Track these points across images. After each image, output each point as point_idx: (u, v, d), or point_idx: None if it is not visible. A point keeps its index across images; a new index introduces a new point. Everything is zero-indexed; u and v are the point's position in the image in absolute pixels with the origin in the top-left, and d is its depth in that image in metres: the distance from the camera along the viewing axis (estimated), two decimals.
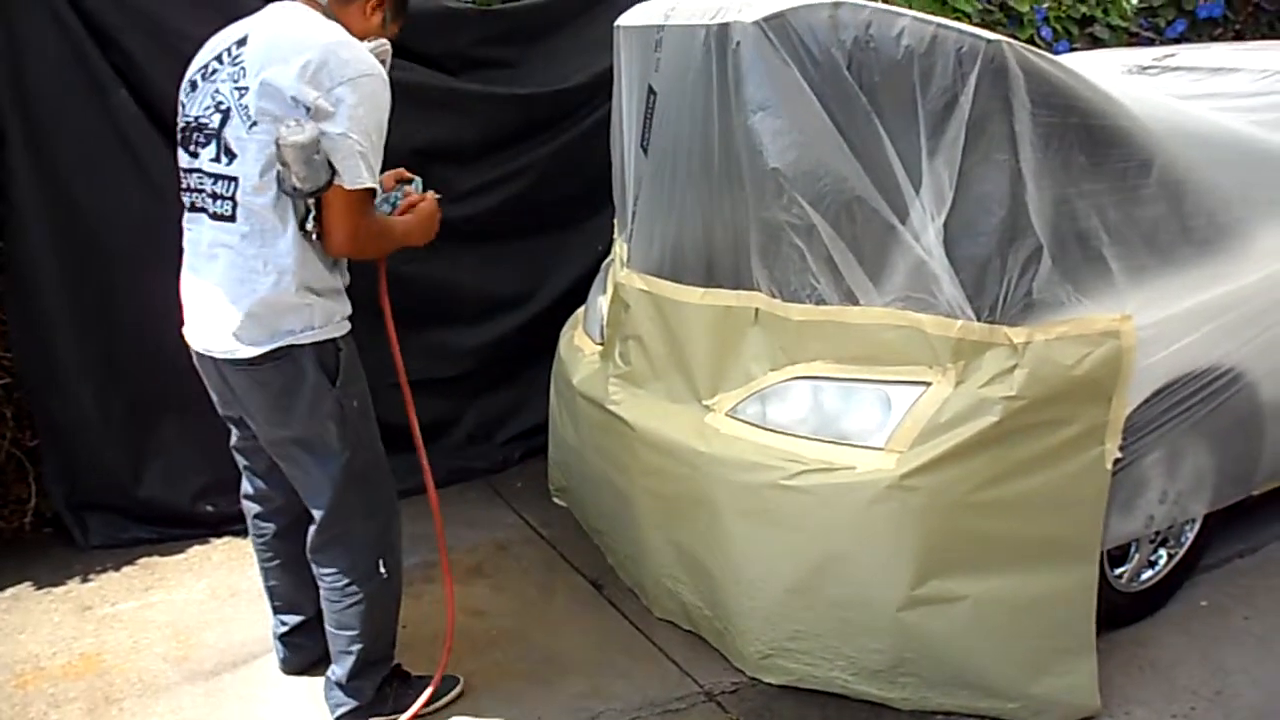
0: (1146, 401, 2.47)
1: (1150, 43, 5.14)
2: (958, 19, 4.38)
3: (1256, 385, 2.70)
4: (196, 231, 2.21)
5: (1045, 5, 4.73)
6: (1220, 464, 2.76)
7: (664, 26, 2.59)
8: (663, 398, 2.69)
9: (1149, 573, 2.81)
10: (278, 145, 1.99)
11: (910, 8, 4.21)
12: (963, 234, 2.27)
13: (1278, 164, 2.76)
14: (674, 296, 2.63)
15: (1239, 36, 5.51)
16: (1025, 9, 4.63)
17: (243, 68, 2.09)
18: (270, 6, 2.21)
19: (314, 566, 2.38)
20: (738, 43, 2.34)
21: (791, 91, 2.28)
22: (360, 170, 2.04)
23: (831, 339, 2.42)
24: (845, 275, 2.34)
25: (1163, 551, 2.83)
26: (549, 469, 3.45)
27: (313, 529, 2.34)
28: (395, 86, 3.14)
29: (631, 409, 2.72)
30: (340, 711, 2.45)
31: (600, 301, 3.13)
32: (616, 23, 2.89)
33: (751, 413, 2.52)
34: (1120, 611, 2.71)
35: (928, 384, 2.34)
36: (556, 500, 3.39)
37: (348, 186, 2.05)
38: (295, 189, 2.02)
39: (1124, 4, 5.07)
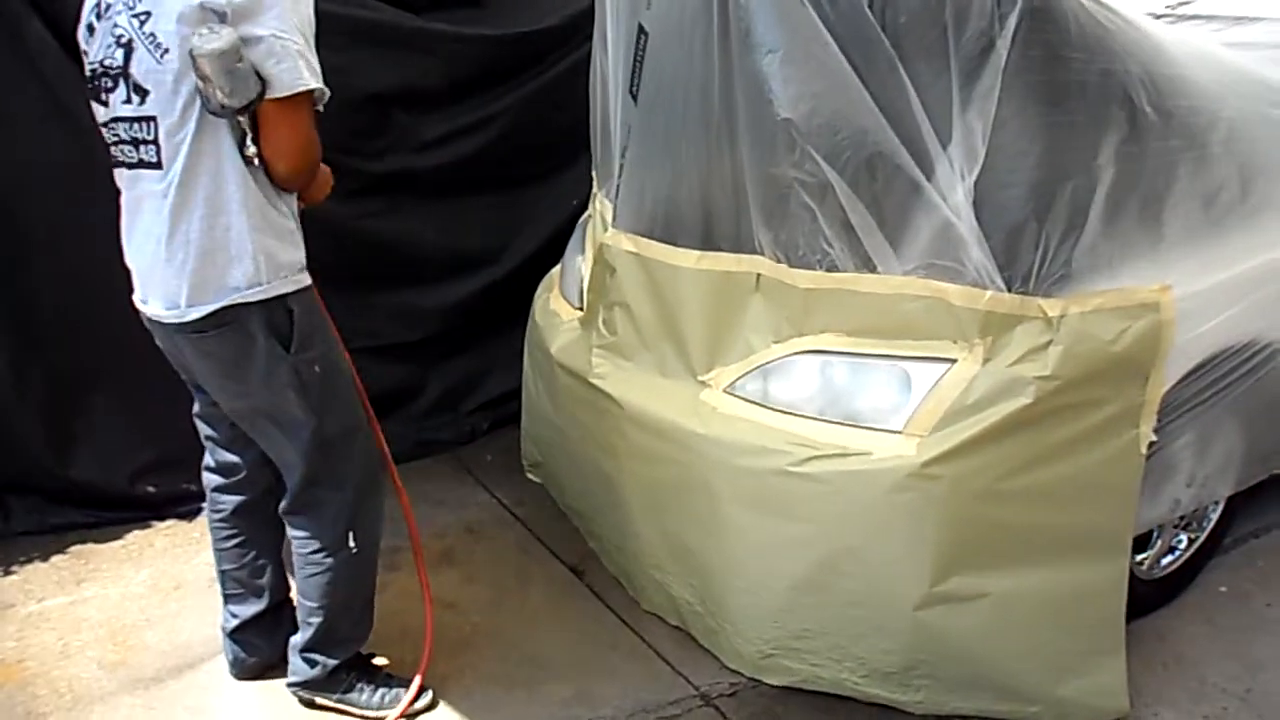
0: (1182, 379, 2.27)
1: None
2: None
3: None
4: (127, 187, 1.97)
5: None
6: (1249, 443, 2.58)
7: None
8: (652, 371, 2.45)
9: (1169, 558, 2.64)
10: (192, 58, 1.74)
11: None
12: (994, 195, 2.02)
13: None
14: (666, 260, 2.37)
15: None
16: None
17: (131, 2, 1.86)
18: None
19: (287, 526, 2.19)
20: None
21: (806, 32, 2.01)
22: (300, 70, 1.81)
23: (843, 309, 2.18)
24: (863, 239, 2.09)
25: (1183, 535, 2.66)
26: (521, 442, 3.19)
27: (287, 491, 2.15)
28: (353, 25, 2.84)
29: (618, 384, 2.47)
30: (291, 679, 2.28)
31: (579, 262, 2.87)
32: None
33: (752, 390, 2.29)
34: (1141, 600, 2.52)
35: (952, 361, 2.11)
36: (530, 476, 3.14)
37: (286, 90, 1.80)
38: (223, 106, 1.77)
39: None
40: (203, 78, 1.74)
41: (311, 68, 1.84)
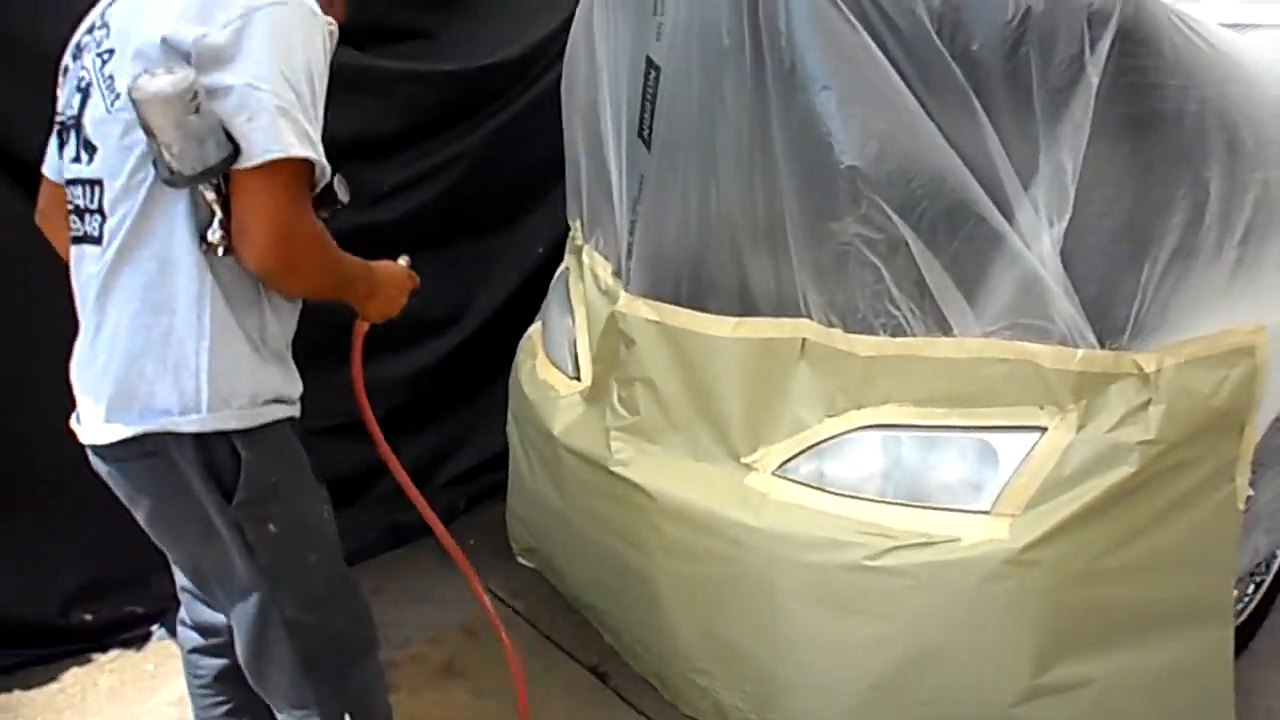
0: (1273, 425, 2.08)
1: None
2: None
3: None
4: (74, 268, 1.58)
5: None
6: None
7: None
8: (684, 455, 2.14)
9: (1239, 606, 2.45)
10: (132, 103, 1.33)
11: None
12: (1084, 241, 1.79)
13: None
14: (698, 329, 2.07)
15: None
16: None
17: (108, 27, 1.49)
18: None
19: None
20: (786, 4, 1.79)
21: (865, 65, 1.75)
22: (280, 132, 1.36)
23: (911, 377, 1.92)
24: (938, 299, 1.84)
25: (1250, 582, 2.48)
26: (509, 523, 2.85)
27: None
28: None
29: (646, 471, 2.16)
30: None
31: (567, 325, 2.56)
32: None
33: (806, 472, 2.01)
34: None
35: (1041, 429, 1.87)
36: (523, 562, 2.80)
37: (256, 158, 1.36)
38: (171, 171, 1.36)
39: None
40: (147, 131, 1.35)
41: (301, 131, 1.39)
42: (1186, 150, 1.78)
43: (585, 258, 2.53)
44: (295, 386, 1.63)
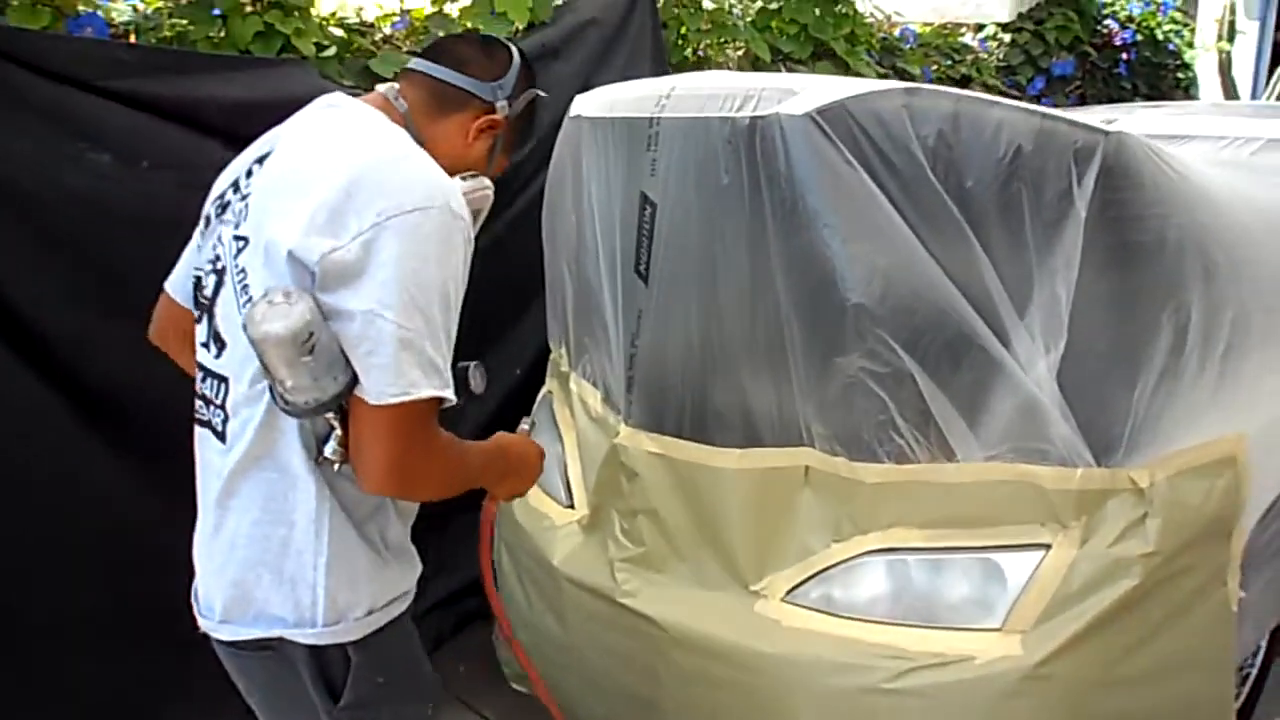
0: (1258, 526, 2.16)
1: (1016, 100, 5.10)
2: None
3: None
4: (198, 444, 1.54)
5: (932, 68, 4.57)
6: None
7: (659, 119, 2.07)
8: (691, 584, 2.14)
9: None
10: (246, 335, 1.29)
11: (813, 72, 3.93)
12: (1077, 366, 1.87)
13: None
14: (701, 461, 2.09)
15: (1083, 91, 5.62)
16: (916, 70, 4.45)
17: (247, 201, 1.42)
18: (317, 102, 1.53)
19: None
20: (784, 142, 1.85)
21: (865, 202, 1.82)
22: (403, 370, 1.28)
23: (917, 502, 1.96)
24: (943, 427, 1.89)
25: (1238, 676, 2.53)
26: (497, 649, 2.80)
27: None
28: None
29: (654, 602, 2.15)
30: None
31: (557, 452, 2.55)
32: (573, 112, 2.35)
33: (816, 597, 2.03)
34: None
35: (1045, 546, 1.92)
36: (517, 688, 2.74)
37: (374, 399, 1.29)
38: (287, 405, 1.32)
39: (989, 65, 5.03)
40: (262, 364, 1.31)
41: (426, 363, 1.30)
42: (1168, 276, 1.88)
43: (572, 384, 2.55)
44: (414, 571, 1.58)
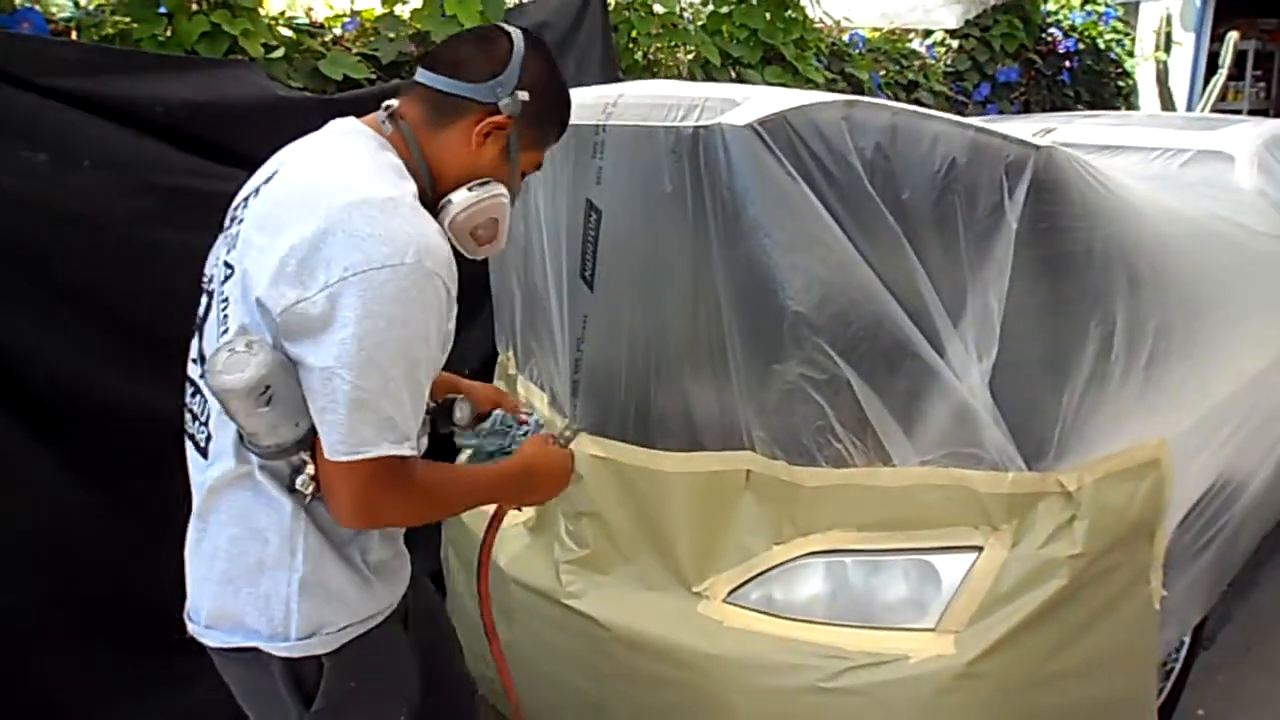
0: (1179, 527, 2.24)
1: (963, 105, 5.20)
2: (809, 89, 4.19)
3: (1245, 485, 2.56)
4: (188, 461, 1.54)
5: (881, 73, 4.64)
6: (1215, 571, 2.59)
7: (604, 127, 2.10)
8: (635, 585, 2.17)
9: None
10: (213, 392, 1.32)
11: (763, 77, 3.97)
12: (1008, 373, 1.92)
13: (1231, 250, 2.64)
14: (645, 464, 2.12)
15: (1027, 97, 5.73)
16: (864, 76, 4.51)
17: (239, 231, 1.41)
18: (329, 127, 1.51)
19: None
20: (726, 152, 1.89)
21: (804, 213, 1.85)
22: (355, 429, 1.29)
23: (854, 505, 2.01)
24: (879, 432, 1.93)
25: (1163, 672, 2.62)
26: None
27: None
28: (199, 200, 2.49)
29: (598, 603, 2.18)
30: None
31: None
32: None
33: (757, 598, 2.07)
34: None
35: (978, 548, 1.98)
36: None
37: (327, 454, 1.31)
38: (249, 447, 1.35)
39: (937, 70, 5.11)
40: (225, 412, 1.33)
41: (384, 423, 1.30)
42: (1095, 286, 1.94)
43: (520, 388, 2.57)
44: (401, 585, 1.56)
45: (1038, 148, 1.83)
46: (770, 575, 2.06)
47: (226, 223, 1.51)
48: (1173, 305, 2.12)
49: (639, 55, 3.88)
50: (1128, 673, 2.13)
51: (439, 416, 1.54)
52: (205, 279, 1.50)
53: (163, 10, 2.58)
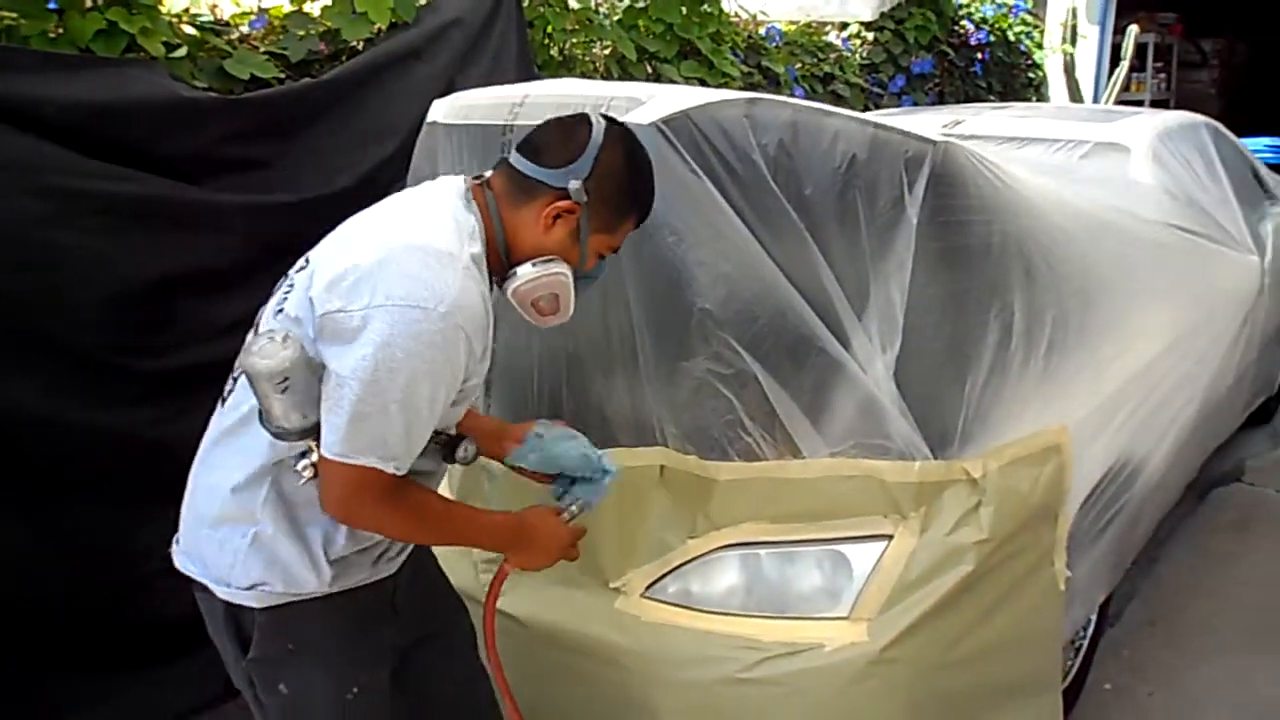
0: (1081, 509, 2.31)
1: (878, 97, 5.28)
2: (724, 83, 4.23)
3: (1142, 466, 2.65)
4: None
5: (797, 66, 4.68)
6: (1118, 550, 2.68)
7: (512, 126, 2.09)
8: (554, 582, 2.16)
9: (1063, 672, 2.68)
10: (245, 370, 1.45)
11: (679, 71, 4.00)
12: (911, 364, 1.97)
13: (1124, 240, 2.73)
14: None
15: (941, 89, 5.84)
16: (780, 70, 4.55)
17: (330, 235, 1.59)
18: (438, 179, 1.66)
19: None
20: None
21: (707, 209, 1.88)
22: (351, 436, 1.42)
23: (766, 498, 2.04)
24: (787, 425, 1.96)
25: (1071, 650, 2.71)
26: None
27: None
28: (119, 202, 2.46)
29: (517, 601, 2.16)
30: None
31: None
32: (431, 118, 2.35)
33: (674, 592, 2.09)
34: None
35: (887, 536, 2.02)
36: None
37: (322, 451, 1.44)
38: (265, 423, 1.46)
39: (853, 63, 5.18)
40: (255, 393, 1.45)
41: (378, 440, 1.43)
42: (993, 278, 2.00)
43: None
44: (361, 575, 1.62)
45: (935, 143, 1.87)
46: (686, 569, 2.08)
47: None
48: (1068, 295, 2.18)
49: (555, 51, 3.87)
50: (1035, 652, 2.19)
51: (447, 451, 1.68)
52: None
53: (53, 6, 2.50)
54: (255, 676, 1.61)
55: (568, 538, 1.78)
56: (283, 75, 2.99)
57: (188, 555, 1.62)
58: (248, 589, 1.54)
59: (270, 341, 1.42)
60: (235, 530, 1.54)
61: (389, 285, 1.42)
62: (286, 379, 1.41)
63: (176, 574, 2.76)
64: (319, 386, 1.44)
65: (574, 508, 1.79)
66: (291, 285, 1.55)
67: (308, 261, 1.56)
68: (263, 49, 3.01)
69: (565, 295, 1.63)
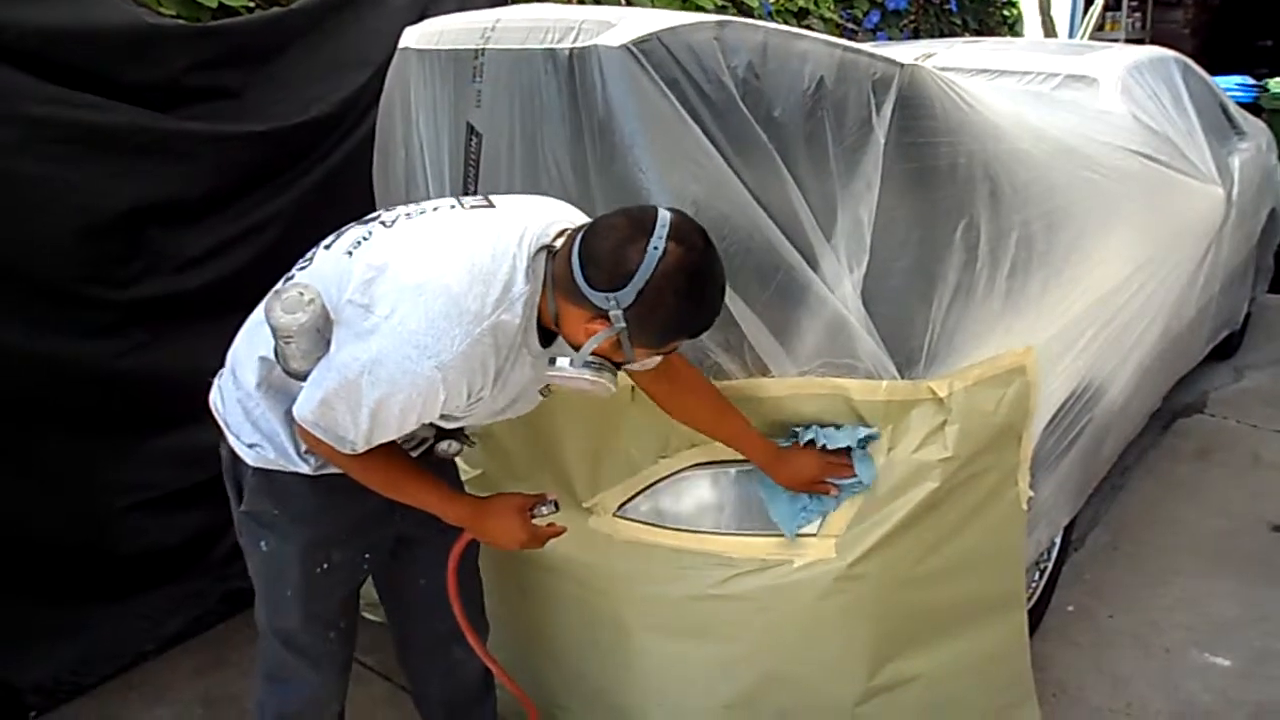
0: (1044, 430, 2.36)
1: (853, 33, 5.25)
2: (698, 11, 4.19)
3: (1105, 390, 2.70)
4: None
5: (771, 0, 4.65)
6: (1082, 474, 2.74)
7: (484, 51, 2.08)
8: None
9: (1028, 593, 2.75)
10: (265, 313, 1.53)
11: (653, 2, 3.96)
12: (879, 283, 2.00)
13: (1089, 165, 2.75)
14: None
15: (916, 25, 5.81)
16: (755, 4, 4.52)
17: (409, 212, 1.70)
18: (524, 221, 1.68)
19: None
20: (601, 73, 1.89)
21: (677, 131, 1.87)
22: (321, 412, 1.55)
23: None
24: (755, 344, 1.99)
25: (1036, 570, 2.78)
26: None
27: None
28: (83, 130, 2.46)
29: None
30: None
31: None
32: (402, 44, 2.32)
33: (646, 510, 2.13)
34: None
35: None
36: (368, 616, 2.76)
37: (295, 408, 1.59)
38: (287, 369, 1.59)
39: None
40: (275, 338, 1.56)
41: (338, 427, 1.56)
42: (959, 199, 2.02)
43: None
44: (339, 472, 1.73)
45: (902, 65, 1.88)
46: (658, 488, 2.12)
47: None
48: (1034, 218, 2.21)
49: None
50: (998, 570, 2.24)
51: (433, 445, 1.82)
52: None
53: None
54: (244, 528, 1.80)
55: (524, 535, 1.81)
56: (252, 5, 2.95)
57: (219, 393, 1.78)
58: (249, 446, 1.71)
59: (300, 297, 1.50)
60: (242, 395, 1.71)
61: (407, 312, 1.49)
62: (291, 339, 1.51)
63: (145, 507, 2.81)
64: (325, 347, 1.54)
65: (545, 509, 1.82)
66: (353, 233, 1.65)
67: (381, 224, 1.65)
68: None
69: (603, 393, 1.64)
